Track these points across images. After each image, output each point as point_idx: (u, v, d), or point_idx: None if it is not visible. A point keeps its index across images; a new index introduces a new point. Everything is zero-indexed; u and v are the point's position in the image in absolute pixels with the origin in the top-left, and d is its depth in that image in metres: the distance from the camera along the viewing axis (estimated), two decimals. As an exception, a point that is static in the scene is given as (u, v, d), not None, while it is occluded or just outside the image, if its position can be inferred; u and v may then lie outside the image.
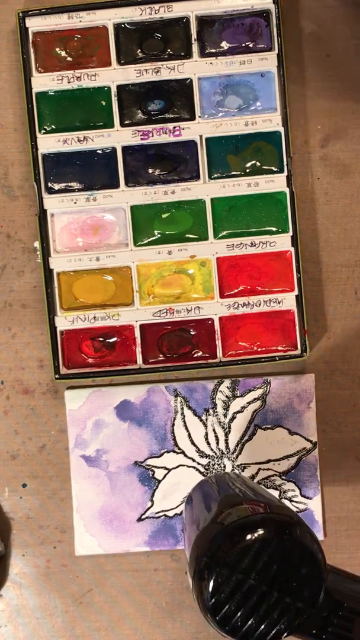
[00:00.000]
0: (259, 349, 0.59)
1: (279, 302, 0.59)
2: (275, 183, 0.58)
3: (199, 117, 0.58)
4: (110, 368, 0.59)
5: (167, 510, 0.60)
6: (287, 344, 0.59)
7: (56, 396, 0.60)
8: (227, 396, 0.60)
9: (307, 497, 0.60)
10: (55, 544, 0.60)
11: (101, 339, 0.59)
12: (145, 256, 0.59)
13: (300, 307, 0.59)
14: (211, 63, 0.58)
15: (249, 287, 0.59)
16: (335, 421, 0.60)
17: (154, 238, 0.59)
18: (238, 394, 0.60)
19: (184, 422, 0.60)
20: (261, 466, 0.60)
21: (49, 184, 0.58)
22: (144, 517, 0.60)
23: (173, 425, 0.60)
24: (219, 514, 0.41)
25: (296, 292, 0.58)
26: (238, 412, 0.60)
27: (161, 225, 0.59)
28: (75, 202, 0.58)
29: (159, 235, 0.59)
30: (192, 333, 0.59)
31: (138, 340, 0.59)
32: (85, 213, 0.59)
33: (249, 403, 0.60)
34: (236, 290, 0.59)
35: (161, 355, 0.59)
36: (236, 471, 0.59)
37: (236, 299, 0.59)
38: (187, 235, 0.59)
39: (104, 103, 0.58)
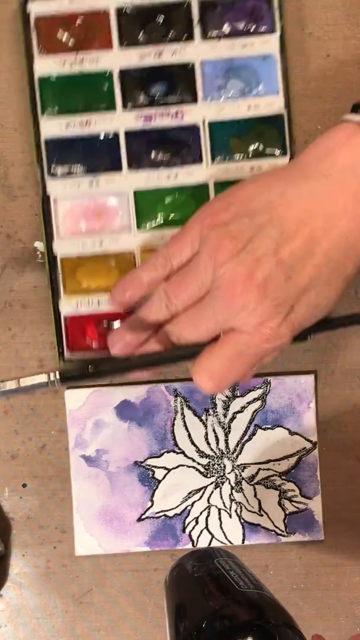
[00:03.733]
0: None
1: None
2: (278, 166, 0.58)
3: (202, 100, 0.58)
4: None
5: (167, 510, 0.60)
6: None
7: (56, 396, 0.60)
8: (227, 396, 0.60)
9: (307, 497, 0.60)
10: (55, 544, 0.60)
11: (105, 324, 0.59)
12: (148, 240, 0.59)
13: None
14: (213, 47, 0.58)
15: None
16: (335, 421, 0.60)
17: (157, 223, 0.59)
18: (238, 394, 0.60)
19: (184, 422, 0.60)
20: (261, 466, 0.60)
21: (52, 169, 0.58)
22: (144, 517, 0.60)
23: (173, 425, 0.60)
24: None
25: None
26: (238, 412, 0.60)
27: (164, 209, 0.59)
28: (78, 186, 0.58)
29: (162, 220, 0.59)
30: None
31: None
32: (89, 198, 0.59)
33: (249, 403, 0.60)
34: None
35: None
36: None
37: None
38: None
39: (106, 87, 0.58)
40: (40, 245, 0.60)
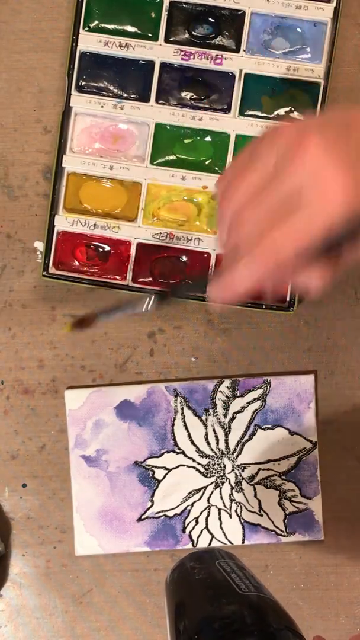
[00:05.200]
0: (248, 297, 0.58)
1: None
2: None
3: (244, 50, 0.58)
4: (99, 278, 0.59)
5: (167, 510, 0.60)
6: (277, 297, 0.58)
7: (56, 396, 0.60)
8: (227, 396, 0.60)
9: (307, 497, 0.60)
10: (55, 544, 0.60)
11: (96, 248, 0.58)
12: (158, 176, 0.59)
13: None
14: (268, 0, 0.58)
15: None
16: (335, 421, 0.60)
17: (171, 159, 0.59)
18: (238, 394, 0.60)
19: (184, 422, 0.60)
20: (261, 466, 0.60)
21: (80, 82, 0.58)
22: (144, 517, 0.60)
23: (173, 425, 0.60)
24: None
25: None
26: (238, 412, 0.60)
27: (181, 150, 0.59)
28: (102, 106, 0.58)
29: (177, 159, 0.59)
30: (187, 263, 0.59)
31: (132, 258, 0.59)
32: (110, 120, 0.59)
33: (249, 403, 0.60)
34: None
35: (151, 278, 0.59)
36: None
37: None
38: (204, 165, 0.59)
39: (153, 15, 0.58)
40: (40, 245, 0.60)
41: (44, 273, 0.58)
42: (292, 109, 0.58)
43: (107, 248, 0.58)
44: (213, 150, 0.59)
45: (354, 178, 0.41)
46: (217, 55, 0.58)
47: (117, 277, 0.59)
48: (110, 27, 0.58)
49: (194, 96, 0.58)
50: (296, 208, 0.42)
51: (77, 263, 0.59)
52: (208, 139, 0.59)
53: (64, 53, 0.59)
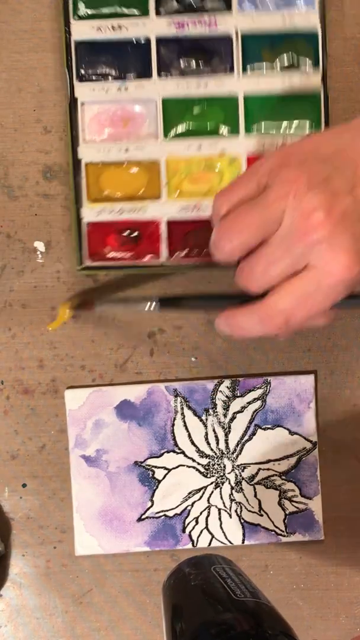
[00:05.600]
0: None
1: None
2: (310, 81, 0.58)
3: (236, 9, 0.58)
4: (135, 262, 0.59)
5: (167, 510, 0.60)
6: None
7: (56, 396, 0.60)
8: (227, 396, 0.60)
9: (307, 497, 0.60)
10: (55, 544, 0.60)
11: (127, 233, 0.59)
12: (174, 150, 0.58)
13: None
14: None
15: None
16: (335, 421, 0.60)
17: (184, 131, 0.59)
18: (238, 394, 0.60)
19: (184, 422, 0.60)
20: (261, 466, 0.60)
21: (81, 71, 0.58)
22: (144, 517, 0.60)
23: (173, 425, 0.60)
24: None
25: None
26: (238, 412, 0.60)
27: (192, 119, 0.58)
28: (106, 92, 0.58)
29: (189, 129, 0.58)
30: None
31: (164, 235, 0.58)
32: (116, 103, 0.59)
33: (249, 403, 0.60)
34: None
35: (187, 251, 0.59)
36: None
37: None
38: (218, 131, 0.59)
39: None
40: (40, 245, 0.60)
41: (79, 267, 0.58)
42: (294, 59, 0.58)
43: (137, 231, 0.58)
44: (224, 114, 0.58)
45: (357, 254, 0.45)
46: (210, 19, 0.58)
47: (152, 257, 0.59)
48: (100, 11, 0.58)
49: (195, 64, 0.58)
50: (305, 271, 0.46)
51: (110, 251, 0.59)
52: (217, 104, 0.58)
53: (64, 51, 0.59)
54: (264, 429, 0.60)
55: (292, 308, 0.46)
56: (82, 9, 0.58)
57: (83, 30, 0.58)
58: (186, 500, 0.60)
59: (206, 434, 0.60)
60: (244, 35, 0.58)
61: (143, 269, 0.59)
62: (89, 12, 0.58)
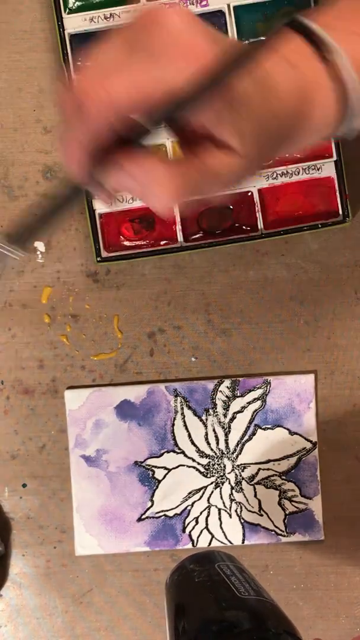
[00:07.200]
0: (301, 219, 0.58)
1: (318, 169, 0.58)
2: None
3: None
4: (152, 248, 0.59)
5: (167, 510, 0.60)
6: (329, 211, 0.58)
7: (56, 396, 0.60)
8: (227, 396, 0.60)
9: (307, 497, 0.60)
10: (55, 544, 0.60)
11: (140, 220, 0.58)
12: None
13: (340, 173, 0.58)
14: None
15: (286, 155, 0.57)
16: (335, 421, 0.60)
17: None
18: (238, 394, 0.60)
19: (184, 422, 0.60)
20: (261, 466, 0.60)
21: (79, 65, 0.58)
22: (144, 517, 0.60)
23: (173, 425, 0.60)
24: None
25: (335, 157, 0.58)
26: (238, 412, 0.60)
27: None
28: None
29: None
30: (232, 208, 0.58)
31: (177, 218, 0.58)
32: None
33: (249, 403, 0.60)
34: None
35: (201, 232, 0.59)
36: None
37: (274, 169, 0.58)
38: None
39: None
40: (40, 245, 0.60)
41: (98, 259, 0.58)
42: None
43: (151, 217, 0.58)
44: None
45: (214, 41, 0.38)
46: None
47: (169, 241, 0.59)
48: (90, 1, 0.58)
49: None
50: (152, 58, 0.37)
51: (126, 240, 0.59)
52: None
53: (59, 46, 0.59)
54: (264, 429, 0.60)
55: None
56: (72, 2, 0.58)
57: (76, 23, 0.58)
58: (186, 500, 0.60)
59: (206, 433, 0.60)
60: (237, 10, 0.57)
61: (163, 253, 0.58)
62: (79, 4, 0.58)
